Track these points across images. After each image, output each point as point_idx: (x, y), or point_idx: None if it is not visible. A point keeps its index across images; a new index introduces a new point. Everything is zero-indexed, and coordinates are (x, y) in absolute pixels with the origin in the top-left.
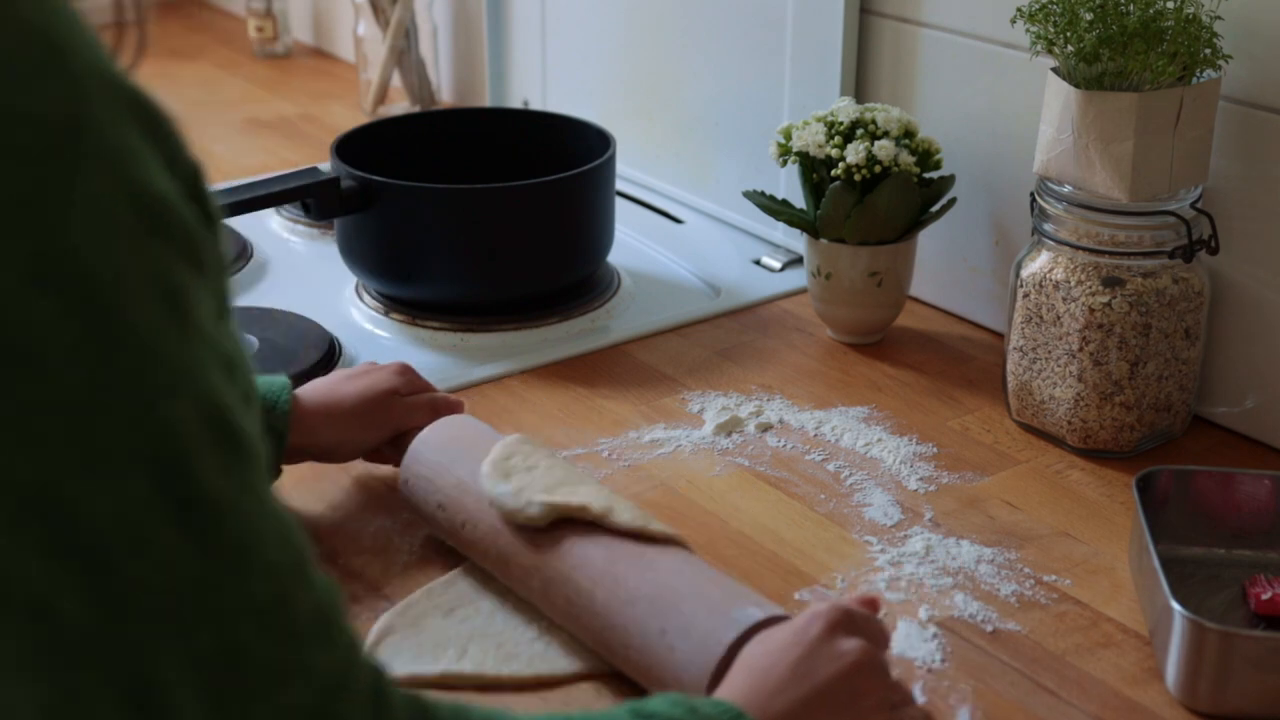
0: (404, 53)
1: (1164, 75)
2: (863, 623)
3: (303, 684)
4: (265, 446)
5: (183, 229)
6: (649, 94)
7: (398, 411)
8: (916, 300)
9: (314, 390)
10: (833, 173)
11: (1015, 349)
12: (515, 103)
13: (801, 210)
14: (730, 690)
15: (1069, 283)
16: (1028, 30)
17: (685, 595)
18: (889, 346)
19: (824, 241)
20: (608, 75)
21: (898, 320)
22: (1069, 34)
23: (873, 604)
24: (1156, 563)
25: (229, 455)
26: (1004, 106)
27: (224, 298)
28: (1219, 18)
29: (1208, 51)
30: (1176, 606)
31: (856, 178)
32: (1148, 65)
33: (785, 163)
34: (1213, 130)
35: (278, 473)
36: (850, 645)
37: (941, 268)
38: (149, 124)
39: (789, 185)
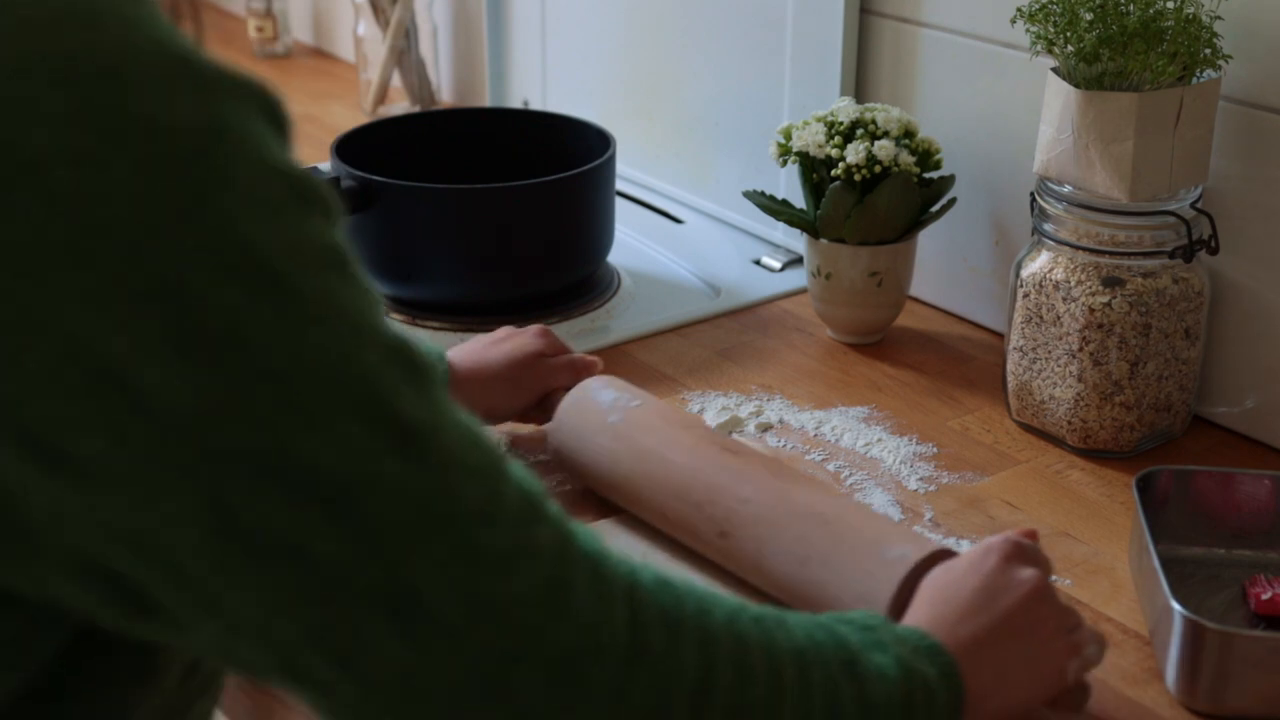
0: (404, 53)
1: (1164, 75)
2: (1031, 553)
3: (532, 561)
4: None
5: (322, 193)
6: (649, 94)
7: (544, 373)
8: (916, 300)
9: (463, 356)
10: (833, 173)
11: (1015, 349)
12: (515, 103)
13: (801, 210)
14: (914, 619)
15: (1069, 283)
16: (1028, 30)
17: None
18: (889, 346)
19: (824, 241)
20: (608, 75)
21: (898, 320)
22: (1069, 34)
23: (1033, 536)
24: (1156, 563)
25: (417, 382)
26: (1004, 106)
27: None
28: (1219, 18)
29: (1208, 51)
30: (1176, 606)
31: (856, 178)
32: (1148, 65)
33: (785, 163)
34: (1213, 130)
35: None
36: (1027, 574)
37: (941, 268)
38: (267, 109)
39: (789, 185)
